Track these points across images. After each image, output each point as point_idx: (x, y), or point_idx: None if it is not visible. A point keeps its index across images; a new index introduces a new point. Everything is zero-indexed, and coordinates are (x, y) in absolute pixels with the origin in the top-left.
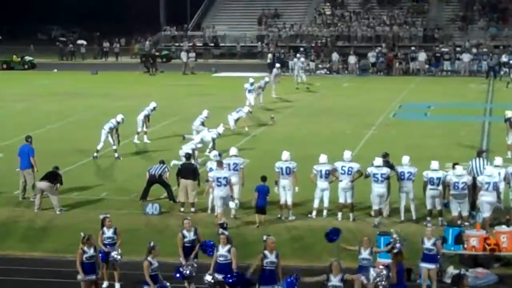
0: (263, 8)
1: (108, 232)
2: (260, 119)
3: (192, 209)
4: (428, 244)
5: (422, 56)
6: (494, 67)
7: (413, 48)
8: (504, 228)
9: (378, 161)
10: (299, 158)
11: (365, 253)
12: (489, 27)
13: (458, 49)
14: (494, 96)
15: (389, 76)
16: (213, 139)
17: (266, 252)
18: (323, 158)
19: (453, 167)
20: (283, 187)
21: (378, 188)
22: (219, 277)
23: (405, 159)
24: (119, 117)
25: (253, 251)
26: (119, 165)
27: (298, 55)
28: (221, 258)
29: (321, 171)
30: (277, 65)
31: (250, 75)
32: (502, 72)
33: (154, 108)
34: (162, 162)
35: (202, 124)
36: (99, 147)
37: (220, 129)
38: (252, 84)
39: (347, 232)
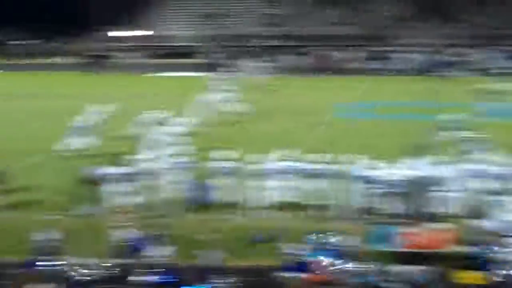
0: (208, 7)
1: None
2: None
3: None
4: None
5: (348, 55)
6: (440, 65)
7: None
8: (437, 225)
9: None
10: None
11: None
12: (433, 26)
13: (404, 48)
14: (440, 95)
15: (340, 75)
16: None
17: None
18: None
19: (394, 165)
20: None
21: None
22: None
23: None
24: None
25: None
26: None
27: (249, 55)
28: None
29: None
30: (224, 64)
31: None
32: (449, 72)
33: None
34: None
35: None
36: None
37: None
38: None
39: (282, 231)
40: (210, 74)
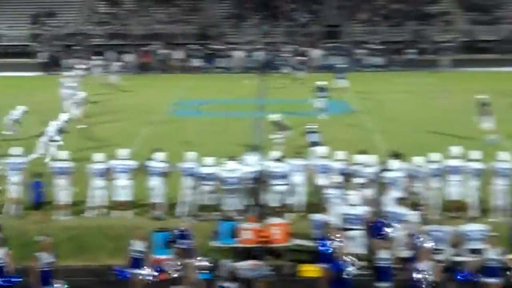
0: (36, 6)
1: None
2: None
3: None
4: None
5: (178, 54)
6: (267, 64)
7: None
8: (276, 220)
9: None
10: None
11: None
12: (261, 24)
13: (231, 46)
14: (266, 92)
15: (167, 73)
16: None
17: (42, 253)
18: (98, 157)
19: (227, 162)
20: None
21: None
22: None
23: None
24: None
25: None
26: None
27: (81, 54)
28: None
29: (96, 169)
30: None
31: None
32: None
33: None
34: None
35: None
36: None
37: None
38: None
39: (125, 230)
40: (47, 74)
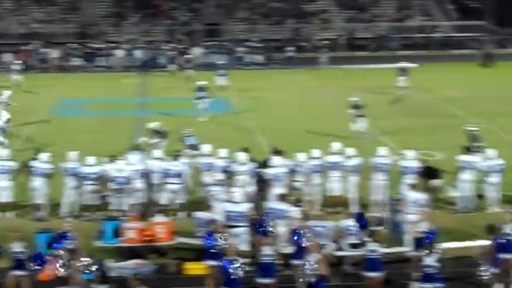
0: None
1: None
2: None
3: None
4: None
5: (55, 53)
6: (148, 62)
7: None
8: (160, 219)
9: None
10: None
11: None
12: (141, 23)
13: (111, 45)
14: (147, 91)
15: (46, 72)
16: None
17: None
18: None
19: (112, 161)
20: None
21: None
22: None
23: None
24: None
25: None
26: None
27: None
28: None
29: None
30: None
31: None
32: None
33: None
34: None
35: None
36: None
37: None
38: None
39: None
40: None
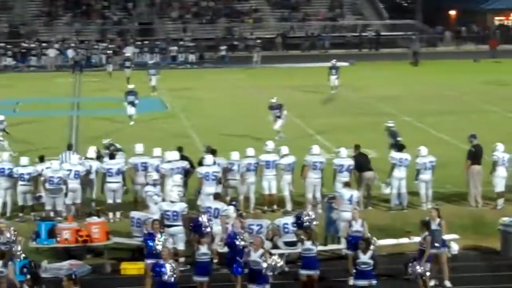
0: None
1: None
2: None
3: None
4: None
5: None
6: (81, 62)
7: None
8: (95, 219)
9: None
10: None
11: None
12: (73, 22)
13: (43, 44)
14: (81, 90)
15: None
16: None
17: None
18: None
19: (43, 161)
20: None
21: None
22: None
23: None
24: None
25: None
26: None
27: None
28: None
29: None
30: None
31: None
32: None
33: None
34: None
35: None
36: None
37: None
38: None
39: None
40: None
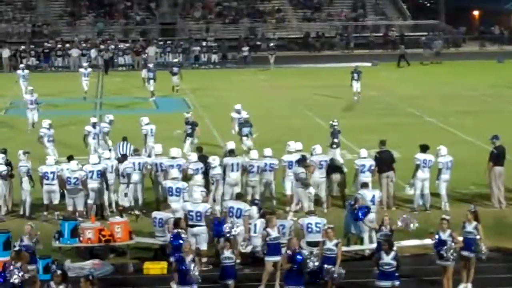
0: None
1: None
2: None
3: None
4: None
5: (5, 52)
6: (108, 61)
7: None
8: (118, 219)
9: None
10: None
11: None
12: (96, 22)
13: (67, 45)
14: (103, 91)
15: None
16: None
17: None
18: None
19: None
20: None
21: None
22: None
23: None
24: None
25: None
26: None
27: None
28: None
29: None
30: None
31: None
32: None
33: None
34: None
35: None
36: None
37: None
38: None
39: None
40: None
